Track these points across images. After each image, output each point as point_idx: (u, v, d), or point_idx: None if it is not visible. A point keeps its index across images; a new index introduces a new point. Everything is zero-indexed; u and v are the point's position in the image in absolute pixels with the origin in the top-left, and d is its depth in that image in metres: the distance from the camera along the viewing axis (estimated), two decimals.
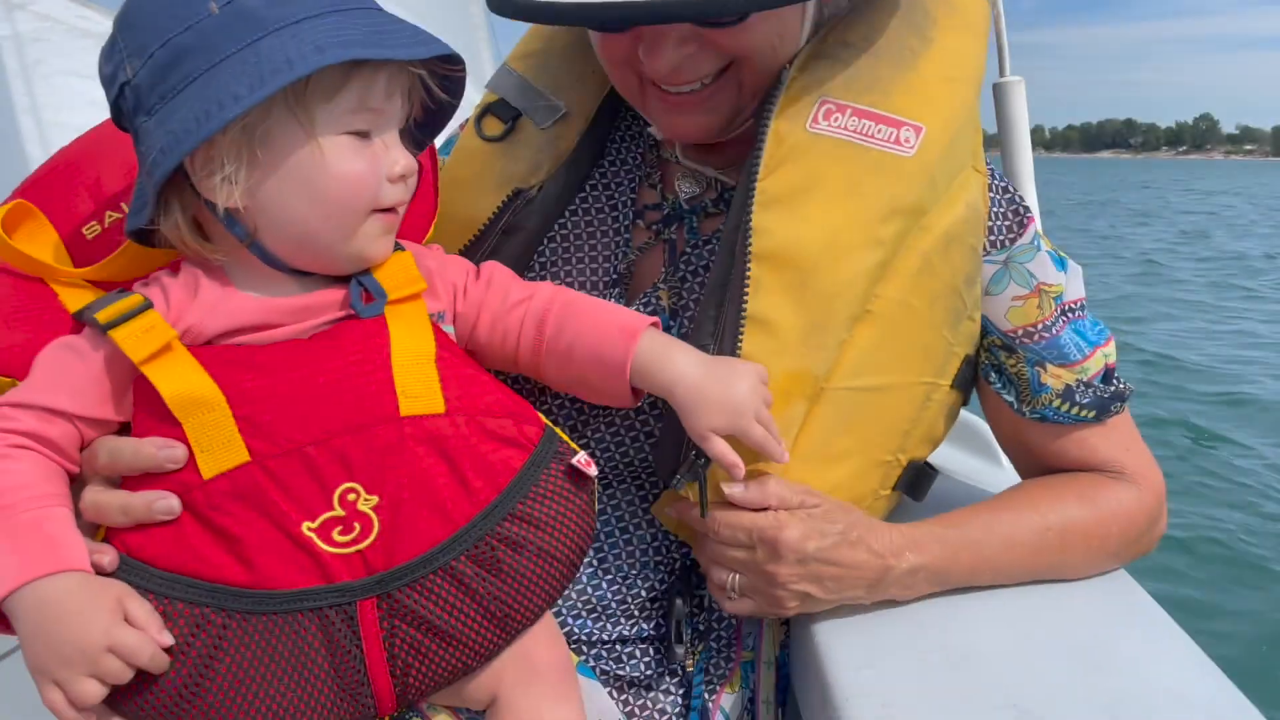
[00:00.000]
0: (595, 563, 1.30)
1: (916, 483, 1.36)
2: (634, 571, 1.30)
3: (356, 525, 0.96)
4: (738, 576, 1.17)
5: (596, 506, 1.12)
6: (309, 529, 0.95)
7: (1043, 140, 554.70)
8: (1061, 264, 1.34)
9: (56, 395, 0.97)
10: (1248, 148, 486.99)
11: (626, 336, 1.12)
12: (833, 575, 1.16)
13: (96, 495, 0.97)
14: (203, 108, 0.92)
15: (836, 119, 1.20)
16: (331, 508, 0.96)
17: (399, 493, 0.97)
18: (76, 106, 3.61)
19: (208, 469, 0.94)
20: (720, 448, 1.10)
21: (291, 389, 0.98)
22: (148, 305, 0.98)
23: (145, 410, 0.97)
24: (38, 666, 0.90)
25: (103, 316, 0.96)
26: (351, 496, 0.96)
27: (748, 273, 1.17)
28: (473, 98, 1.33)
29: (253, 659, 0.94)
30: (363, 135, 1.00)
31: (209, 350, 0.99)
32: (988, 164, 1.33)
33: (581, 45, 1.41)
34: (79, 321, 1.01)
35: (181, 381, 0.95)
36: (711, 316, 1.19)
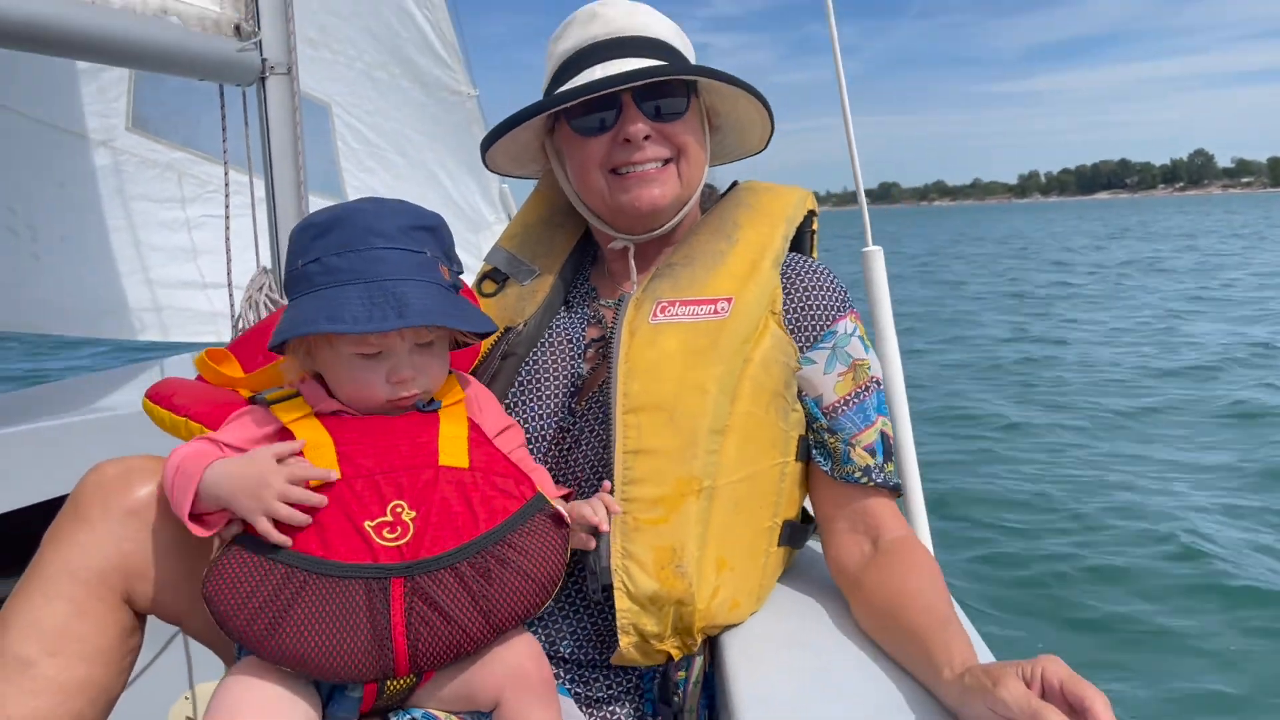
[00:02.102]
0: (578, 600, 1.69)
1: (793, 537, 1.78)
2: (598, 610, 1.68)
3: (399, 528, 1.35)
4: None
5: (569, 547, 1.47)
6: (369, 525, 1.35)
7: (1039, 185, 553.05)
8: (867, 348, 1.79)
9: (232, 436, 1.45)
10: (1245, 180, 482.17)
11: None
12: None
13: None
14: (279, 327, 1.43)
15: (670, 310, 1.69)
16: (385, 514, 1.36)
17: (429, 512, 1.37)
18: (150, 226, 4.37)
19: (315, 482, 1.37)
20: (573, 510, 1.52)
21: (373, 440, 1.42)
22: (297, 395, 1.48)
23: None
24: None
25: (269, 398, 1.48)
26: (399, 510, 1.37)
27: (614, 424, 1.61)
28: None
29: (319, 606, 1.31)
30: (371, 355, 1.43)
31: (328, 417, 1.45)
32: (798, 270, 1.80)
33: (549, 225, 1.97)
34: (251, 402, 1.52)
35: (309, 432, 1.42)
36: (600, 434, 1.71)
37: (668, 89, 1.74)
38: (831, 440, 1.73)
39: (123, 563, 1.49)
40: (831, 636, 1.61)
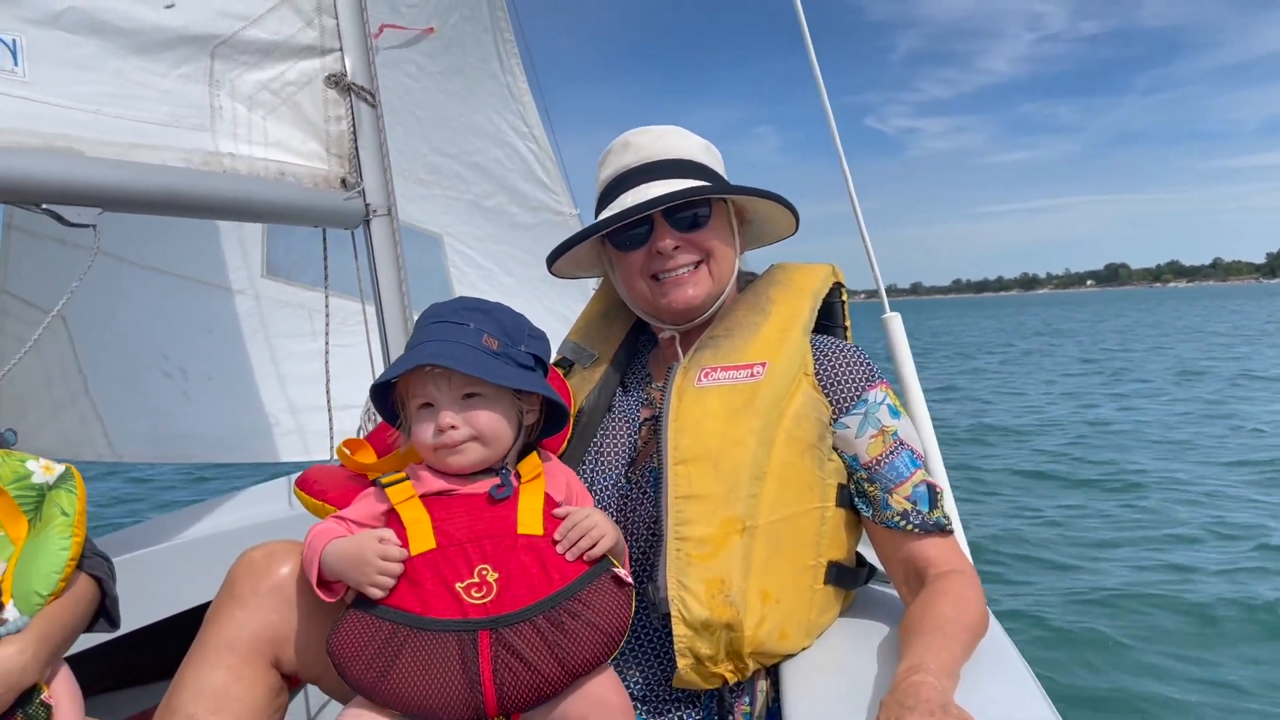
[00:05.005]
0: (646, 647, 1.93)
1: (841, 577, 1.93)
2: (664, 654, 1.90)
3: (485, 588, 1.58)
4: None
5: (633, 604, 1.66)
6: (459, 586, 1.58)
7: None
8: (896, 414, 1.96)
9: (355, 513, 1.72)
10: None
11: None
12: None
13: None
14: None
15: (712, 375, 1.91)
16: (473, 576, 1.59)
17: (510, 573, 1.60)
18: (286, 359, 4.85)
19: (414, 549, 1.62)
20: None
21: (463, 515, 1.66)
22: (407, 479, 1.73)
23: (395, 522, 1.67)
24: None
25: (384, 481, 1.73)
26: (484, 572, 1.59)
27: (665, 475, 1.81)
28: None
29: (420, 657, 1.54)
30: (429, 405, 1.71)
31: (430, 498, 1.69)
32: (842, 347, 2.01)
33: (607, 317, 2.28)
34: (373, 484, 1.76)
35: (412, 511, 1.67)
36: (652, 497, 1.91)
37: (691, 203, 1.99)
38: (871, 489, 1.91)
39: (270, 633, 1.73)
40: (886, 669, 1.71)
